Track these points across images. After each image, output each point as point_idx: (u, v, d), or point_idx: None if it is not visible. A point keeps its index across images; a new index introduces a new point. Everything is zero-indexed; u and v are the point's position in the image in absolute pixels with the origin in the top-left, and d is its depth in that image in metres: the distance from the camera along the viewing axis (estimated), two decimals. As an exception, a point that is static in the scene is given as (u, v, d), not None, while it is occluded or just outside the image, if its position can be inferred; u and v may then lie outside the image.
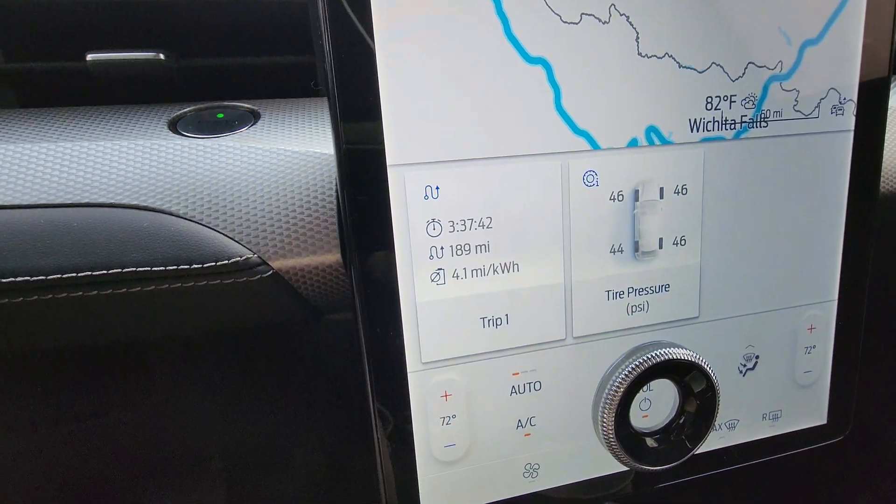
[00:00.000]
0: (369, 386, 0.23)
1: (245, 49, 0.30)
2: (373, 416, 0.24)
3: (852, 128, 0.27)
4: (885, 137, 0.28)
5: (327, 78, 0.20)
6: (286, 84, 0.31)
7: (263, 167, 0.24)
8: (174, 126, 0.25)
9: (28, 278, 0.20)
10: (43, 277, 0.20)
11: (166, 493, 0.34)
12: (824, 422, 0.31)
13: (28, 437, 0.29)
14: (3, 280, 0.20)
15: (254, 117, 0.26)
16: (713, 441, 0.28)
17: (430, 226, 0.22)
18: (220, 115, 0.26)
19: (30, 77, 0.28)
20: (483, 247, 0.23)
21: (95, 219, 0.21)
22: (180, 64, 0.28)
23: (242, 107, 0.27)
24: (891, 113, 0.29)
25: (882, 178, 0.28)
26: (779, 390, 0.29)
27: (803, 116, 0.26)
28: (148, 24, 0.28)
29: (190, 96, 0.28)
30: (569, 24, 0.22)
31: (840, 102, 0.26)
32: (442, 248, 0.23)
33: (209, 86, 0.30)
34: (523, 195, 0.23)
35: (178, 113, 0.26)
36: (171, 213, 0.22)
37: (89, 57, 0.26)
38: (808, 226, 0.27)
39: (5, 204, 0.21)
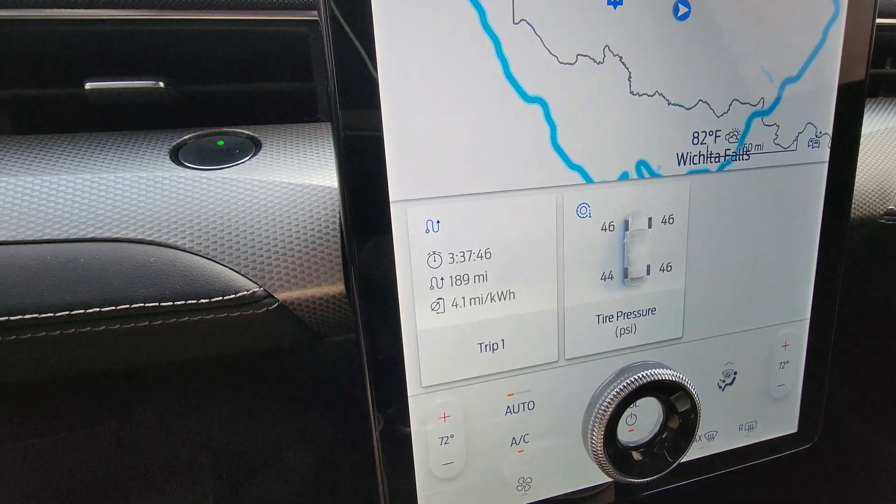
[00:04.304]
0: (371, 409, 0.24)
1: (243, 76, 0.30)
2: (375, 436, 0.24)
3: (827, 159, 0.28)
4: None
5: (333, 118, 0.20)
6: (284, 110, 0.31)
7: (268, 200, 0.24)
8: (175, 155, 0.25)
9: (37, 315, 0.20)
10: (52, 315, 0.20)
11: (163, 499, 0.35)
12: (795, 430, 0.33)
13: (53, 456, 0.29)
14: (13, 318, 0.20)
15: (254, 145, 0.27)
16: (693, 451, 0.30)
17: (431, 258, 0.23)
18: (221, 143, 0.26)
19: (26, 103, 0.28)
20: (481, 277, 0.24)
21: (102, 254, 0.21)
22: (179, 91, 0.28)
23: (242, 133, 0.27)
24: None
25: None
26: (754, 403, 0.31)
27: (783, 149, 0.27)
28: (147, 51, 0.28)
29: (189, 122, 0.28)
30: (565, 64, 0.23)
31: (816, 136, 0.28)
32: (442, 278, 0.24)
33: (208, 112, 0.30)
34: (520, 227, 0.24)
35: (179, 141, 0.26)
36: (177, 248, 0.22)
37: (88, 85, 0.26)
38: (784, 250, 0.29)
39: (10, 240, 0.21)
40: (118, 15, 0.26)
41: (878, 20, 0.30)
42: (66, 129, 0.27)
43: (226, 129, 0.27)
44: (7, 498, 0.30)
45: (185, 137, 0.27)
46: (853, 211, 0.33)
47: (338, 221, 0.25)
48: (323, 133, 0.29)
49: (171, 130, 0.27)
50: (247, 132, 0.28)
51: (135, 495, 0.32)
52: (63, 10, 0.25)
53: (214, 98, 0.30)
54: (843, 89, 0.27)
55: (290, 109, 0.31)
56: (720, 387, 0.30)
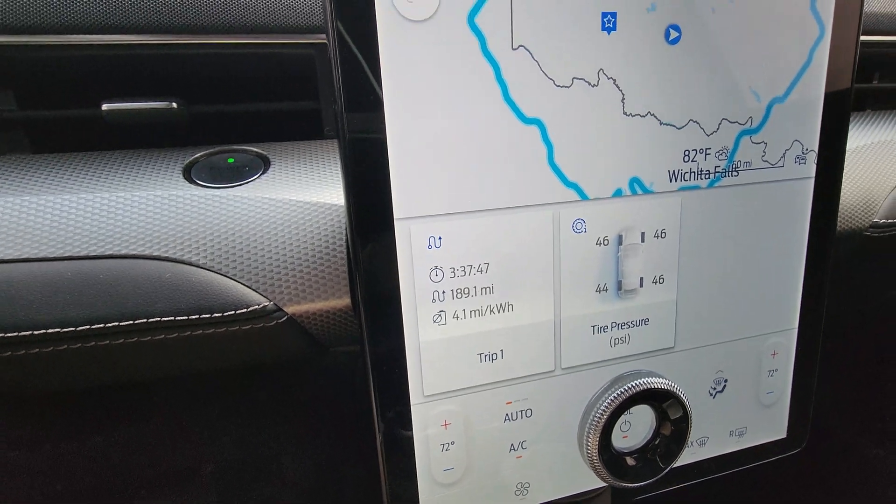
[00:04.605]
0: (375, 416, 0.25)
1: (251, 96, 0.31)
2: (378, 443, 0.25)
3: (813, 175, 0.29)
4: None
5: (341, 140, 0.21)
6: (290, 128, 0.32)
7: (277, 217, 0.25)
8: (188, 173, 0.26)
9: (59, 330, 0.21)
10: (73, 329, 0.21)
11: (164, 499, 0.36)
12: (784, 436, 0.34)
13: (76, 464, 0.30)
14: (36, 332, 0.21)
15: (263, 163, 0.28)
16: (685, 456, 0.31)
17: (433, 272, 0.24)
18: (231, 161, 0.27)
19: (46, 124, 0.29)
20: (481, 290, 0.25)
21: (120, 270, 0.22)
22: (191, 111, 0.29)
23: (251, 150, 0.28)
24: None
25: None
26: (744, 409, 0.32)
27: (770, 166, 0.29)
28: (161, 74, 0.29)
29: (201, 141, 0.29)
30: (561, 87, 0.24)
31: (803, 153, 0.29)
32: (443, 292, 0.25)
33: (219, 130, 0.31)
34: (518, 242, 0.25)
35: (191, 159, 0.27)
36: (191, 264, 0.23)
37: (105, 106, 0.27)
38: (772, 262, 0.30)
39: (33, 257, 0.22)
40: (133, 40, 0.27)
41: (865, 37, 0.31)
42: (83, 147, 0.28)
43: (235, 147, 0.28)
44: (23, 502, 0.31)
45: (197, 155, 0.28)
46: (839, 224, 0.34)
47: (344, 238, 0.26)
48: (328, 150, 0.30)
49: (184, 148, 0.28)
50: (255, 150, 0.29)
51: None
52: (81, 36, 0.26)
53: (224, 117, 0.31)
54: (828, 107, 0.29)
55: (296, 127, 0.32)
56: (711, 394, 0.31)
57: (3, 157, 0.26)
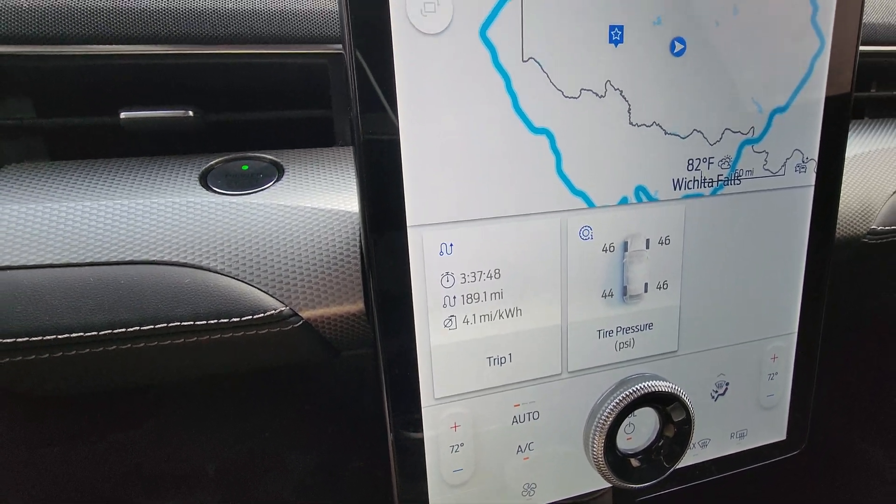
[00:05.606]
0: (387, 419, 0.26)
1: (265, 104, 0.32)
2: (390, 444, 0.26)
3: (813, 183, 0.30)
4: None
5: (356, 150, 0.22)
6: (303, 136, 0.32)
7: (292, 224, 0.26)
8: (204, 180, 0.27)
9: (82, 334, 0.22)
10: (95, 333, 0.22)
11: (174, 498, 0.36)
12: (783, 438, 0.34)
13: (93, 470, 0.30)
14: (59, 336, 0.21)
15: (277, 170, 0.28)
16: (688, 458, 0.32)
17: (445, 278, 0.25)
18: (245, 168, 0.28)
19: (63, 132, 0.29)
20: (491, 295, 0.26)
21: (141, 276, 0.23)
22: (206, 119, 0.30)
23: (265, 157, 0.29)
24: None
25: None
26: (745, 412, 0.33)
27: (771, 174, 0.29)
28: (177, 83, 0.29)
29: (216, 148, 0.30)
30: (569, 98, 0.25)
31: (803, 161, 0.30)
32: (454, 297, 0.25)
33: (233, 138, 0.31)
34: (527, 249, 0.26)
35: (207, 166, 0.28)
36: (209, 270, 0.24)
37: (123, 114, 0.28)
38: (773, 268, 0.31)
39: (56, 262, 0.22)
40: (151, 50, 0.28)
41: (863, 47, 0.32)
42: (101, 155, 0.28)
43: (250, 154, 0.29)
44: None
45: (213, 162, 0.28)
46: (838, 231, 0.35)
47: (358, 244, 0.26)
48: (340, 157, 0.31)
49: (199, 155, 0.29)
50: (269, 157, 0.29)
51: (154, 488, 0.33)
52: (100, 46, 0.27)
53: (239, 125, 0.32)
54: (828, 117, 0.29)
55: (309, 136, 0.32)
56: (713, 397, 0.32)
57: (23, 165, 0.27)
